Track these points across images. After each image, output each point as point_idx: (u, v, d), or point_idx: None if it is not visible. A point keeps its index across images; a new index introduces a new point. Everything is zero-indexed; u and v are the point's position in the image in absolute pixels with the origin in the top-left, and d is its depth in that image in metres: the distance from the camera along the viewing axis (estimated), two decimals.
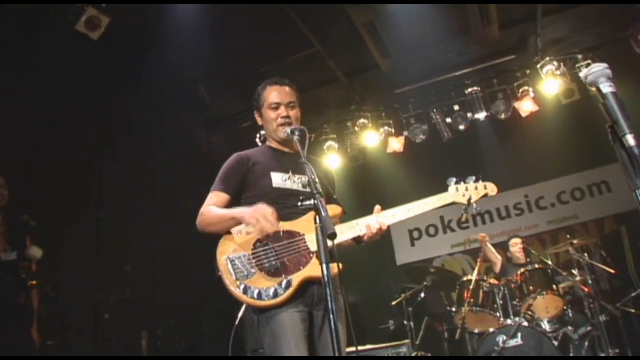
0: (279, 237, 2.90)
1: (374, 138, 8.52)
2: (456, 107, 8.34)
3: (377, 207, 3.05)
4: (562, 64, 7.80)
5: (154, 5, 5.68)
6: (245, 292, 2.78)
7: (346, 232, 2.98)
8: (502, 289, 6.34)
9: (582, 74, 2.01)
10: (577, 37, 7.77)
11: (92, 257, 6.25)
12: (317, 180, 2.61)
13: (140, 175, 7.19)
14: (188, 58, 6.58)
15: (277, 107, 3.19)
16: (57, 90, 6.01)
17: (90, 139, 6.52)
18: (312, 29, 6.64)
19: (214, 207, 3.01)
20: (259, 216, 2.72)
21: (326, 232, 2.40)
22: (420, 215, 3.12)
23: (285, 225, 2.93)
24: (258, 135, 8.05)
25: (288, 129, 3.04)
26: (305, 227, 2.92)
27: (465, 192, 3.12)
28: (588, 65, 7.50)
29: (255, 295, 2.77)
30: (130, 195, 6.89)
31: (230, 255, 2.87)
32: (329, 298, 2.35)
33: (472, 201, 3.09)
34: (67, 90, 6.09)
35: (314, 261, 2.84)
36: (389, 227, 3.05)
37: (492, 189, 3.17)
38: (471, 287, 6.30)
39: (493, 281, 6.52)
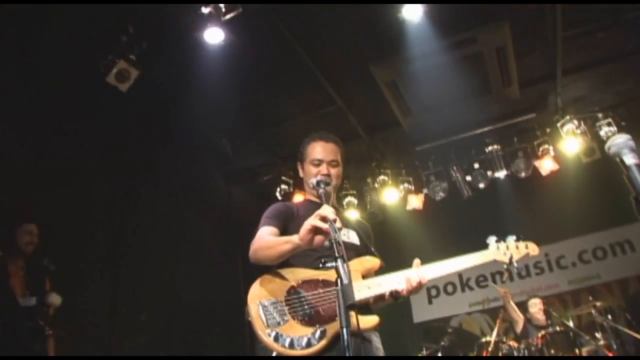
0: (314, 286, 2.81)
1: (393, 195, 8.52)
2: (476, 165, 8.34)
3: (417, 261, 2.93)
4: (582, 122, 7.81)
5: (181, 57, 5.86)
6: (276, 339, 2.62)
7: (384, 284, 2.85)
8: (522, 351, 6.20)
9: (606, 146, 2.01)
10: (597, 95, 7.81)
11: (109, 304, 6.24)
12: (340, 241, 2.38)
13: (160, 223, 7.23)
14: (212, 110, 6.74)
15: (318, 163, 3.11)
16: (83, 137, 6.15)
17: (114, 187, 6.61)
18: (334, 86, 6.77)
19: (265, 236, 2.89)
20: (309, 227, 2.48)
21: (345, 301, 2.22)
22: (461, 271, 3.07)
23: (321, 275, 2.83)
24: (278, 189, 8.10)
25: (314, 180, 2.94)
26: None
27: (506, 250, 3.09)
28: (609, 123, 7.55)
29: (287, 344, 2.61)
30: (149, 243, 6.92)
31: (263, 301, 2.74)
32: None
33: (514, 260, 3.06)
34: (94, 138, 6.24)
35: (350, 312, 2.70)
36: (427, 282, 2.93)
37: (533, 249, 3.13)
38: (490, 349, 6.17)
39: (512, 343, 6.39)
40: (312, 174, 3.10)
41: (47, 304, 4.66)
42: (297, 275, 2.85)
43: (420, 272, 2.86)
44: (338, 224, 2.41)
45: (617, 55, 6.94)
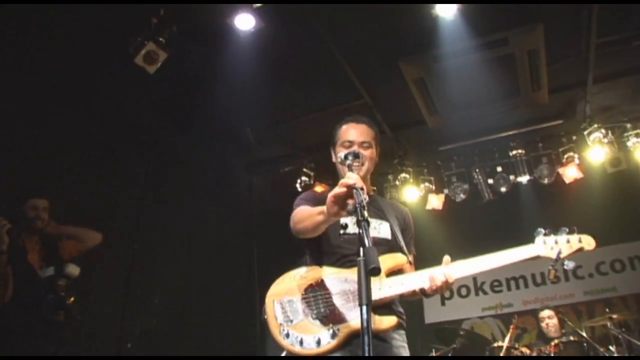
0: (333, 284, 2.74)
1: (413, 193, 8.47)
2: (499, 169, 8.23)
3: (446, 258, 2.77)
4: (609, 131, 7.66)
5: (210, 43, 5.85)
6: (287, 337, 2.64)
7: (407, 283, 2.72)
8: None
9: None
10: (627, 106, 7.68)
11: (123, 285, 6.28)
12: (365, 206, 2.24)
13: (179, 209, 7.26)
14: (236, 98, 6.71)
15: (349, 145, 2.98)
16: (106, 118, 6.18)
17: (134, 170, 6.64)
18: (362, 80, 6.73)
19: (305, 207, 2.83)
20: (333, 196, 2.37)
21: (368, 265, 2.02)
22: (497, 268, 2.79)
23: (343, 273, 2.76)
24: (299, 181, 8.08)
25: (342, 153, 2.76)
26: None
27: (554, 244, 2.78)
28: (637, 134, 7.44)
29: (297, 342, 2.61)
30: (167, 229, 6.95)
31: (279, 299, 2.76)
32: (366, 347, 1.94)
33: (562, 256, 2.74)
34: (117, 120, 6.27)
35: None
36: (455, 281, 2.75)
37: (588, 242, 2.79)
38: (502, 354, 6.11)
39: (525, 349, 6.33)
40: None
41: (66, 275, 4.68)
42: (318, 273, 2.81)
43: (447, 271, 2.71)
44: (365, 196, 2.26)
45: None
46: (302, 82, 6.66)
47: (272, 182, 8.71)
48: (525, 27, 5.83)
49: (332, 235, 2.89)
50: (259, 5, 5.41)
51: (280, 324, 2.68)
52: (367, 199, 2.35)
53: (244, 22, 5.46)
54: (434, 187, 8.56)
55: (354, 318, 2.62)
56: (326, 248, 2.86)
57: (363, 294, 2.01)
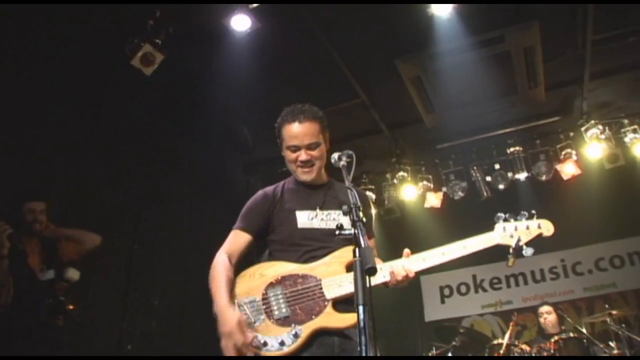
0: (293, 282, 2.68)
1: (412, 192, 8.49)
2: (497, 166, 8.26)
3: (406, 251, 2.73)
4: (606, 128, 7.69)
5: (206, 44, 5.85)
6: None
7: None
8: (534, 355, 6.14)
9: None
10: (623, 102, 7.71)
11: (122, 287, 6.27)
12: (359, 206, 2.31)
13: (177, 210, 7.25)
14: (234, 98, 6.71)
15: (295, 149, 2.89)
16: (103, 119, 6.17)
17: (133, 171, 6.63)
18: (358, 79, 6.73)
19: (222, 266, 2.80)
20: (227, 337, 2.50)
21: (364, 265, 2.04)
22: (457, 259, 2.73)
23: (303, 269, 2.71)
24: None
25: (336, 155, 2.69)
26: (323, 271, 2.68)
27: (514, 231, 2.75)
28: (634, 130, 7.45)
29: (261, 344, 2.55)
30: (165, 230, 6.94)
31: (240, 300, 2.69)
32: (363, 347, 1.94)
33: (521, 243, 2.72)
34: (114, 121, 6.26)
35: (329, 310, 2.59)
36: (417, 274, 2.69)
37: (547, 227, 2.78)
38: (501, 352, 6.12)
39: (525, 347, 6.34)
40: (290, 161, 2.94)
41: (66, 279, 4.67)
42: (278, 270, 2.76)
43: (407, 265, 2.67)
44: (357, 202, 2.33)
45: None
46: (299, 81, 6.65)
47: (269, 182, 8.67)
48: (521, 24, 5.84)
49: (292, 230, 2.85)
50: (254, 5, 5.41)
51: None
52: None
53: (240, 22, 5.48)
54: (432, 185, 8.57)
55: (315, 317, 2.60)
56: (288, 243, 2.82)
57: (360, 295, 2.02)
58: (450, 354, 6.89)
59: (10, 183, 4.95)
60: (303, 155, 2.89)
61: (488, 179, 8.33)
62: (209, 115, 6.91)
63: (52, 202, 4.89)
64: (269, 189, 3.09)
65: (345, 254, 2.72)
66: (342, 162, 2.66)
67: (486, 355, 6.59)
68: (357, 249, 2.13)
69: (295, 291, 2.67)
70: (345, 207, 2.34)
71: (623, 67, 6.98)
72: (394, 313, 8.26)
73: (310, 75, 6.60)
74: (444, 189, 8.53)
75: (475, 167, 8.37)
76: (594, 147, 7.71)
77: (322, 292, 2.64)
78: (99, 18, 5.32)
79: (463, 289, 9.72)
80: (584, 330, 6.42)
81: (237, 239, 2.93)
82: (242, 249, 2.90)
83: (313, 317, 2.60)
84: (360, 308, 2.00)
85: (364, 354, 1.94)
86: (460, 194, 8.41)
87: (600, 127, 7.62)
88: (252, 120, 7.43)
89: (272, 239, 2.92)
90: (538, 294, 9.00)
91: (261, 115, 7.29)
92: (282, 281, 2.70)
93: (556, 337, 6.16)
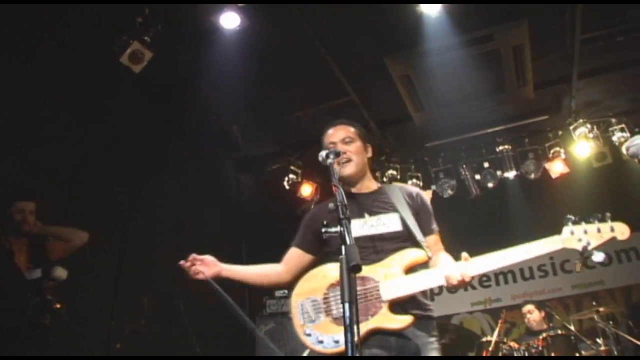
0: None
1: None
2: (486, 164, 8.29)
3: (464, 255, 2.67)
4: (595, 126, 7.71)
5: (195, 41, 5.83)
6: (309, 336, 2.72)
7: (422, 282, 2.68)
8: (522, 352, 6.18)
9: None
10: (611, 101, 7.73)
11: (111, 285, 6.25)
12: (346, 204, 2.32)
13: (167, 208, 7.22)
14: (223, 96, 6.69)
15: (333, 145, 3.04)
16: (91, 118, 6.14)
17: (121, 171, 6.60)
18: (348, 78, 6.73)
19: (270, 265, 3.16)
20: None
21: (349, 263, 2.08)
22: (519, 263, 2.63)
23: (363, 272, 2.60)
24: (286, 179, 8.08)
25: (323, 153, 2.69)
26: (382, 274, 2.74)
27: (582, 235, 2.60)
28: (622, 129, 7.48)
29: (317, 342, 2.69)
30: (154, 227, 6.91)
31: (303, 298, 2.84)
32: (349, 345, 1.96)
33: (591, 247, 2.55)
34: (105, 120, 6.22)
35: (384, 311, 2.65)
36: (473, 278, 2.67)
37: (621, 230, 2.61)
38: (490, 349, 6.15)
39: (513, 344, 6.37)
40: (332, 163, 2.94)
41: (53, 278, 4.64)
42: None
43: (463, 270, 2.63)
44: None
45: (635, 61, 6.86)
46: (289, 79, 6.65)
47: (260, 180, 8.69)
48: (510, 23, 5.86)
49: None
50: (243, 4, 5.40)
51: (302, 325, 2.77)
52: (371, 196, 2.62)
53: (229, 20, 5.45)
54: (421, 184, 8.57)
55: (371, 317, 2.67)
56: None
57: (345, 292, 2.06)
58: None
59: None
60: (339, 146, 3.02)
61: (477, 177, 8.35)
62: (199, 113, 6.88)
63: (42, 202, 4.87)
64: (314, 210, 3.29)
65: (404, 257, 2.79)
66: (330, 160, 2.66)
67: (475, 352, 6.63)
68: (342, 247, 2.15)
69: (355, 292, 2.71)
70: (331, 205, 2.35)
71: (611, 66, 7.00)
72: None
73: (300, 74, 6.59)
74: (433, 187, 8.52)
75: (464, 166, 8.38)
76: (582, 146, 7.77)
77: (379, 294, 2.70)
78: (87, 16, 5.29)
79: None
80: (571, 327, 6.46)
81: (289, 254, 3.20)
82: (293, 263, 3.15)
83: (369, 317, 2.67)
84: (346, 305, 2.03)
85: (350, 352, 1.96)
86: (450, 192, 8.42)
87: (589, 125, 7.64)
88: (242, 118, 7.42)
89: (328, 251, 2.99)
90: (527, 291, 9.06)
91: (251, 113, 7.29)
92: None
93: (544, 334, 6.20)
